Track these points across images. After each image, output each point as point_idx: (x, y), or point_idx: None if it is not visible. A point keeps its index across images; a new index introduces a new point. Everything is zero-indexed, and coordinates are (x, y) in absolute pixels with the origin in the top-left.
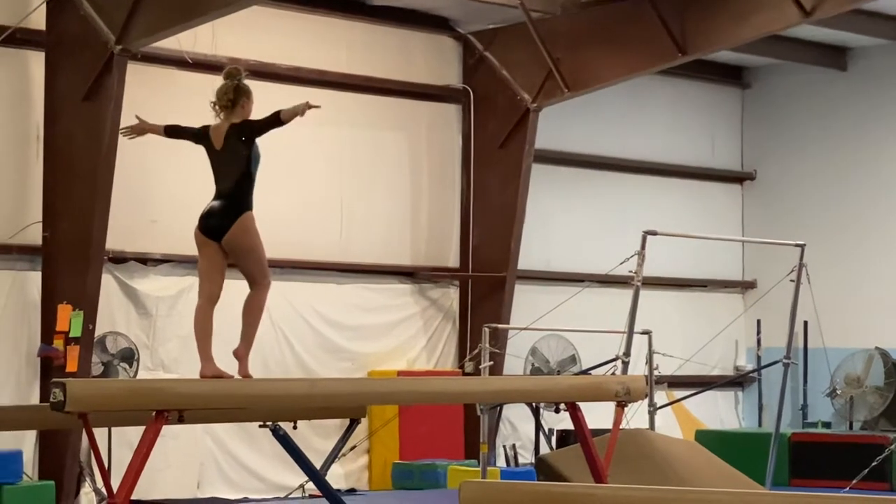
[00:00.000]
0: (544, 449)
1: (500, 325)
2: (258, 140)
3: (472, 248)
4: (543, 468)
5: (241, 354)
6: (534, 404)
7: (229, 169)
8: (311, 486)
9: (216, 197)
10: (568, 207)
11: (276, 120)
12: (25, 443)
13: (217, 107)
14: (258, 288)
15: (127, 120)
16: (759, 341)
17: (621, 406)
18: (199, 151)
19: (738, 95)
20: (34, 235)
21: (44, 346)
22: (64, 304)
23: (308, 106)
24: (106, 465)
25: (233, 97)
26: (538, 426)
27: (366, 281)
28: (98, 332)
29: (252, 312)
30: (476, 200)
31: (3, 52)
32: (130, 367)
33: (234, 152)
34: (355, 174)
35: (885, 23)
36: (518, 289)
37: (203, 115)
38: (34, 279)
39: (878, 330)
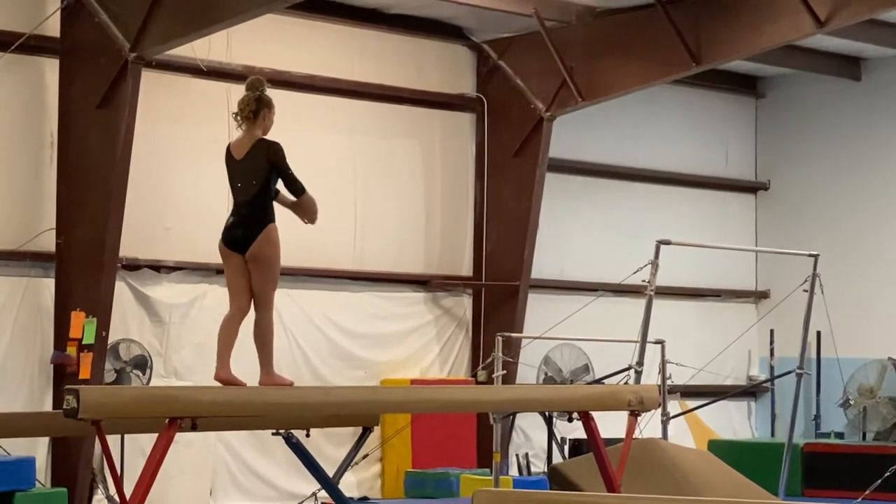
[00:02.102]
0: (557, 458)
1: (513, 334)
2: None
3: (486, 256)
4: (556, 477)
5: (265, 383)
6: (547, 413)
7: (249, 180)
8: (323, 494)
9: (236, 209)
10: (581, 216)
11: (296, 189)
12: (38, 449)
13: (239, 118)
14: (263, 309)
15: (141, 127)
16: (772, 351)
17: (634, 415)
18: (214, 160)
19: (753, 105)
20: (48, 242)
21: (57, 352)
22: (77, 310)
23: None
24: (119, 472)
25: (255, 108)
26: (551, 435)
27: (379, 289)
28: (111, 339)
29: (262, 337)
30: (489, 209)
31: (18, 59)
32: (143, 374)
33: (255, 164)
34: (369, 182)
35: None
36: (531, 298)
37: (215, 122)
38: (47, 286)
39: (891, 340)
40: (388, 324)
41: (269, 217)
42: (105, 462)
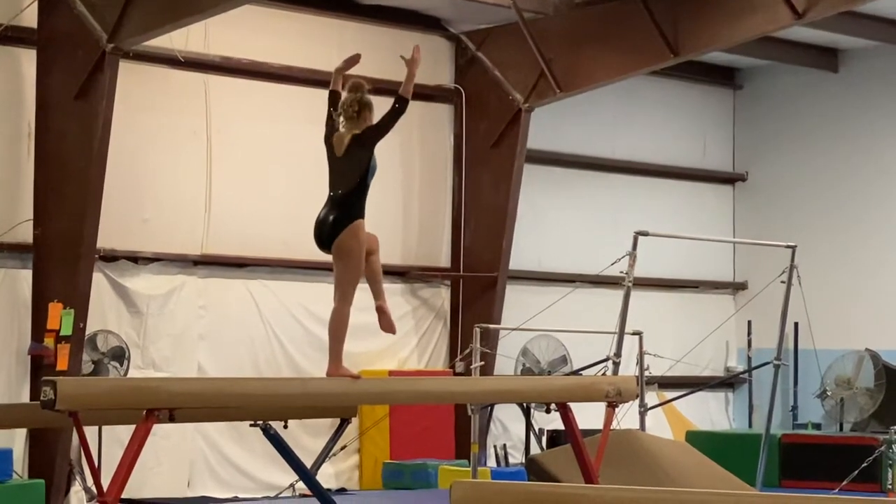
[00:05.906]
0: (535, 449)
1: (491, 326)
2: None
3: (464, 247)
4: (534, 468)
5: (332, 373)
6: (525, 404)
7: (346, 176)
8: (301, 485)
9: (328, 204)
10: (559, 208)
11: (399, 106)
12: (16, 441)
13: (342, 118)
14: (342, 301)
15: (119, 118)
16: (749, 342)
17: (612, 407)
18: (192, 151)
19: (730, 96)
20: (25, 233)
21: (34, 344)
22: (55, 302)
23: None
24: (96, 463)
25: (357, 109)
26: (529, 426)
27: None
28: (89, 331)
29: (335, 329)
30: (468, 200)
31: None
32: (121, 365)
33: (354, 161)
34: None
35: (877, 25)
36: (509, 289)
37: (193, 112)
38: (25, 277)
39: (868, 331)
40: (366, 315)
41: (359, 212)
42: (82, 453)
